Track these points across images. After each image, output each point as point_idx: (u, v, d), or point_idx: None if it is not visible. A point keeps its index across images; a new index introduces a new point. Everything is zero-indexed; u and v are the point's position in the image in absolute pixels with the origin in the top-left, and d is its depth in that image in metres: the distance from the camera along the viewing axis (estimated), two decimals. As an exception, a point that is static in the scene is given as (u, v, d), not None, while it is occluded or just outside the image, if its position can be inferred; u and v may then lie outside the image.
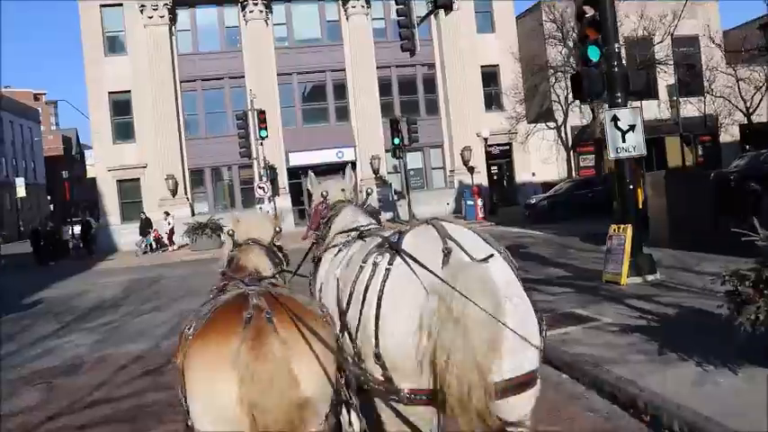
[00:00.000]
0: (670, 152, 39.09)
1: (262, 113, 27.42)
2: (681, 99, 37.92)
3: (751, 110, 37.68)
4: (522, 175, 36.72)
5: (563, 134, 37.38)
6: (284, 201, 32.82)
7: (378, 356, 2.98)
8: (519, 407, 2.94)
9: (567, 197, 26.62)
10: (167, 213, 30.26)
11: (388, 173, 34.88)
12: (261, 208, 27.82)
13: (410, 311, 2.87)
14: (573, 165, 37.61)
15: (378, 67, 34.44)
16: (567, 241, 17.83)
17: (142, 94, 31.81)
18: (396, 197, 34.35)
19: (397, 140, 28.83)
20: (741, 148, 39.37)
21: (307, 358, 2.79)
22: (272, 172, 31.34)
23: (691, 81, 38.61)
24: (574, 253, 15.21)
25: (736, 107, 37.74)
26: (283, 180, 33.36)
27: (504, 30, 36.28)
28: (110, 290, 18.27)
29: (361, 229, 3.96)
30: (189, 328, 2.96)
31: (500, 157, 34.51)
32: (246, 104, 28.85)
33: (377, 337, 2.98)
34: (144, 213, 30.63)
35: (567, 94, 35.12)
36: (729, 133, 39.86)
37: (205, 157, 32.73)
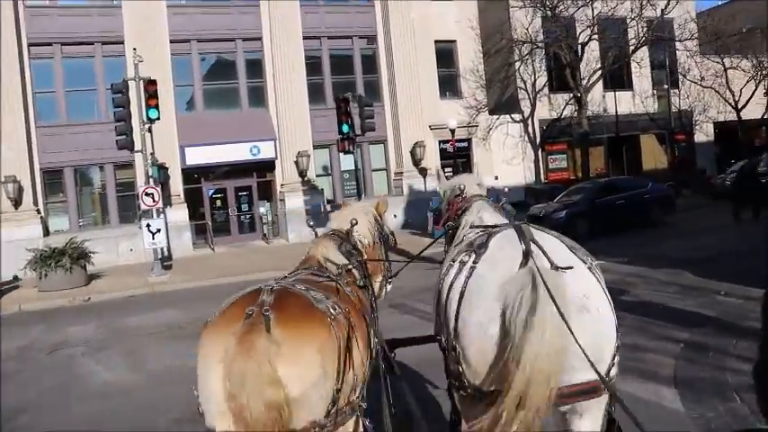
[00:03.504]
0: (645, 151, 33.43)
1: (151, 84, 18.76)
2: (653, 92, 32.84)
3: (740, 104, 32.51)
4: (483, 179, 29.40)
5: (530, 129, 30.60)
6: (178, 213, 24.05)
7: (454, 350, 3.05)
8: (586, 419, 2.96)
9: (589, 206, 19.45)
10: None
11: (318, 175, 26.80)
12: (148, 226, 19.07)
13: (484, 311, 2.91)
14: (542, 166, 30.93)
15: (305, 38, 26.27)
16: (668, 276, 11.67)
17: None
18: (329, 207, 26.26)
19: (346, 128, 20.79)
20: (722, 148, 34.83)
21: (294, 359, 2.74)
22: (161, 173, 22.58)
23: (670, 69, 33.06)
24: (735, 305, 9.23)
25: (726, 101, 32.54)
26: (177, 185, 24.50)
27: (462, -3, 28.99)
28: None
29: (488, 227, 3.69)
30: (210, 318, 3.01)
31: (456, 156, 27.23)
32: (128, 74, 20.04)
33: (456, 332, 3.03)
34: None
35: (536, 78, 28.57)
36: (704, 132, 34.65)
37: (65, 152, 23.14)
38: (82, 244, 19.16)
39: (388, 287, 4.82)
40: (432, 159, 28.03)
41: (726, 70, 32.80)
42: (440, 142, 28.56)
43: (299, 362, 2.76)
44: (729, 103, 32.95)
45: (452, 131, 24.98)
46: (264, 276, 15.18)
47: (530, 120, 30.48)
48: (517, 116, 30.39)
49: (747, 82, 32.75)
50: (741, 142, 34.20)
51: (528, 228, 3.14)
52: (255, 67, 26.20)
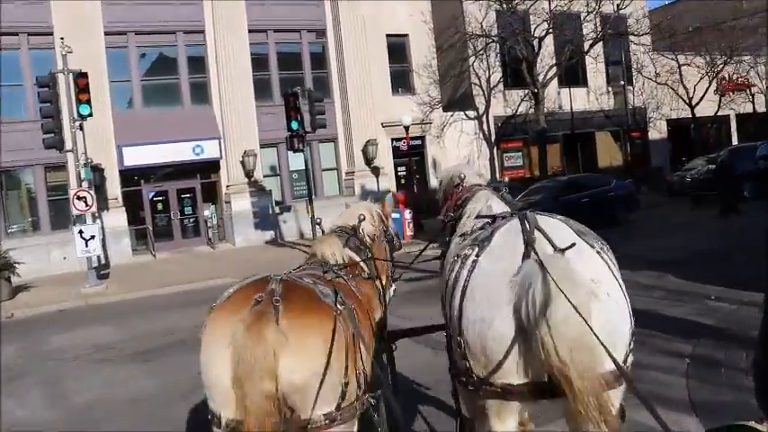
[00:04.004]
0: (601, 149, 33.10)
1: (82, 78, 17.13)
2: (608, 89, 32.70)
3: (694, 101, 32.48)
4: (436, 178, 28.55)
5: (485, 126, 29.84)
6: (116, 217, 22.45)
7: (459, 346, 2.98)
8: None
9: (552, 205, 18.60)
10: None
11: (265, 176, 25.47)
12: (81, 232, 17.45)
13: (489, 306, 2.83)
14: (497, 164, 30.19)
15: (250, 31, 24.90)
16: (650, 280, 10.67)
17: None
18: (278, 210, 25.00)
19: (295, 125, 19.54)
20: (675, 146, 34.86)
21: (301, 350, 2.74)
22: (97, 175, 20.97)
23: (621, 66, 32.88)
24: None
25: (680, 97, 32.46)
26: (114, 187, 22.86)
27: (415, -10, 28.00)
28: None
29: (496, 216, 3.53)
30: (215, 302, 3.03)
31: (410, 155, 26.23)
32: (56, 66, 18.41)
33: (460, 328, 2.96)
34: None
35: (491, 74, 27.82)
36: (657, 129, 34.55)
37: (-12, 152, 21.42)
38: (6, 253, 17.50)
39: (392, 291, 4.73)
40: (384, 158, 27.04)
41: (680, 67, 32.69)
42: (393, 140, 27.57)
43: (306, 353, 2.77)
44: (684, 100, 32.83)
45: (406, 128, 23.95)
46: (212, 285, 13.74)
47: (484, 117, 29.71)
48: (472, 113, 29.58)
49: (701, 79, 32.73)
50: (694, 140, 34.25)
51: (533, 215, 3.04)
52: (198, 62, 24.73)
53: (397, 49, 28.06)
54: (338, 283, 3.41)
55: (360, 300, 3.52)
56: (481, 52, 27.83)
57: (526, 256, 2.77)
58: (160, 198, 24.54)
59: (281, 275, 3.05)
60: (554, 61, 27.65)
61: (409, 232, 21.48)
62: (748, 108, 37.27)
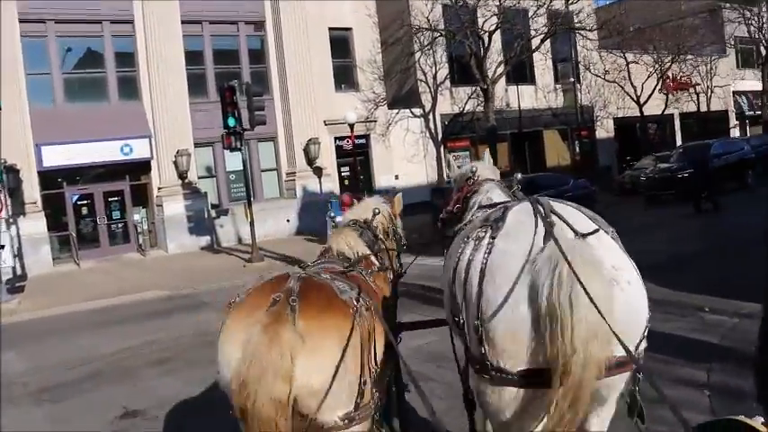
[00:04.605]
0: (548, 148, 32.62)
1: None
2: (556, 86, 32.35)
3: (642, 100, 32.35)
4: (381, 179, 27.44)
5: (431, 124, 28.90)
6: (35, 223, 20.49)
7: (476, 330, 2.83)
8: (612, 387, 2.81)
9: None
10: None
11: (200, 177, 23.86)
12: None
13: (511, 289, 2.70)
14: (444, 164, 29.24)
15: (184, 22, 23.27)
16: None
17: None
18: (214, 213, 23.44)
19: (232, 121, 18.06)
20: (623, 144, 34.79)
21: (317, 351, 2.72)
22: (11, 177, 19.07)
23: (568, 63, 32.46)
24: None
25: (628, 95, 32.30)
26: (32, 190, 20.90)
27: (358, -19, 26.78)
28: None
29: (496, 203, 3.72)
30: (234, 299, 3.03)
31: (355, 154, 25.04)
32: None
33: (479, 312, 2.82)
34: None
35: (438, 70, 26.88)
36: (604, 128, 34.33)
37: None
38: None
39: None
40: (327, 158, 25.76)
41: (628, 65, 32.47)
42: (336, 139, 26.30)
43: (322, 354, 2.74)
44: (632, 98, 32.63)
45: (351, 126, 22.71)
46: (143, 297, 12.22)
47: (431, 114, 28.75)
48: (418, 111, 28.57)
49: (648, 77, 32.63)
50: (639, 139, 34.16)
51: (546, 200, 3.01)
52: (126, 55, 22.95)
53: (341, 43, 26.80)
54: (356, 277, 3.42)
55: (377, 294, 3.54)
56: (428, 47, 26.79)
57: (547, 238, 2.71)
58: (85, 202, 22.64)
59: (300, 272, 3.06)
60: (501, 58, 26.82)
61: (356, 237, 20.28)
62: (691, 107, 37.61)
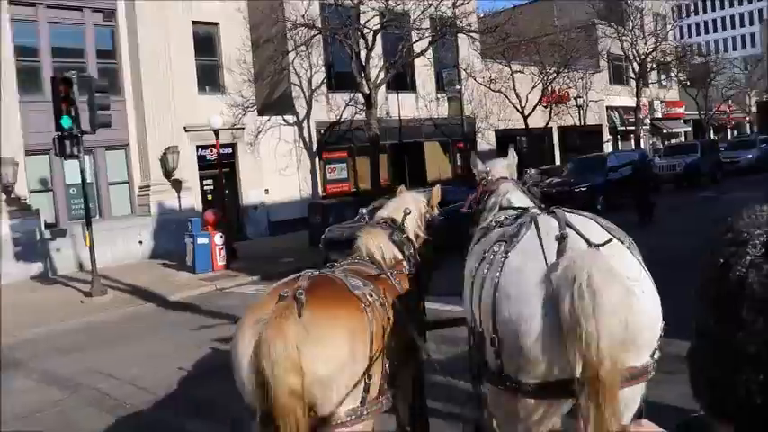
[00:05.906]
0: (429, 160, 31.21)
1: None
2: (438, 95, 31.11)
3: (526, 111, 31.63)
4: (250, 193, 24.72)
5: (306, 133, 26.56)
6: None
7: (492, 342, 2.90)
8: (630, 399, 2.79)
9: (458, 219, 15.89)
10: None
11: (32, 191, 20.22)
12: None
13: (525, 303, 2.76)
14: (319, 177, 27.00)
15: (12, 3, 19.60)
16: None
17: None
18: (49, 235, 19.90)
19: (67, 122, 14.84)
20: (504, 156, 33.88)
21: (322, 341, 2.75)
22: None
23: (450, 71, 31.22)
24: None
25: (513, 106, 31.47)
26: None
27: (226, -28, 23.91)
28: None
29: (512, 210, 3.80)
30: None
31: (219, 165, 22.19)
32: None
33: (495, 326, 2.88)
34: None
35: (314, 73, 24.60)
36: (486, 140, 33.39)
37: None
38: None
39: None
40: (188, 169, 22.75)
41: (513, 74, 31.58)
42: (198, 147, 23.32)
43: (327, 344, 2.76)
44: (517, 109, 31.80)
45: (216, 133, 19.88)
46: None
47: (305, 122, 26.36)
48: (291, 117, 26.03)
49: (533, 88, 31.95)
50: (520, 151, 33.48)
51: (562, 211, 3.07)
52: (-63, 41, 18.97)
53: (206, 40, 23.83)
54: (385, 281, 3.50)
55: (399, 292, 3.56)
56: (302, 48, 24.30)
57: (560, 252, 2.75)
58: None
59: (313, 271, 3.10)
60: (383, 63, 24.84)
61: (221, 261, 17.73)
62: (569, 121, 37.62)
